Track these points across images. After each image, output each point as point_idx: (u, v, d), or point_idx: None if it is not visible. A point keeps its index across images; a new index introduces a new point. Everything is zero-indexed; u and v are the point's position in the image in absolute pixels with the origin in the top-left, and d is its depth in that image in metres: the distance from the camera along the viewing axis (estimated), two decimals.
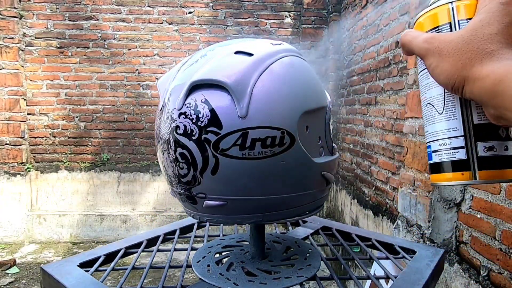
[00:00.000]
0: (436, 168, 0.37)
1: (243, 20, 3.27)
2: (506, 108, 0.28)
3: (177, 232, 0.81)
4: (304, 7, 3.25)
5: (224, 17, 3.26)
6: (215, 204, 0.48)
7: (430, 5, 0.37)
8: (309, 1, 3.24)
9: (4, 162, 3.10)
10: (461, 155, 0.35)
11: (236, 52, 0.48)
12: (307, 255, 0.62)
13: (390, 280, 0.57)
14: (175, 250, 0.72)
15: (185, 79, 0.48)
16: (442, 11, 0.34)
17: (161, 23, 3.22)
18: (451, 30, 0.33)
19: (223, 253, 0.64)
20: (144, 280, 0.56)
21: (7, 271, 2.61)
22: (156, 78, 3.24)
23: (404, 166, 1.56)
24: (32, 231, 3.19)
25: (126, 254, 0.70)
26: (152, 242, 0.76)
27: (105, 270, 0.61)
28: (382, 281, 1.11)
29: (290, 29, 3.32)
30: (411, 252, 0.70)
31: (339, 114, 3.16)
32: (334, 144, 0.58)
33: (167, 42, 3.24)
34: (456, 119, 0.34)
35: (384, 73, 2.16)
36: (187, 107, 0.46)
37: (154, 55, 3.25)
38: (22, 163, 3.13)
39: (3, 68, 3.03)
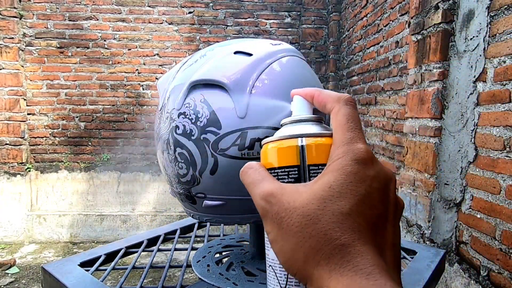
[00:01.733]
0: None
1: (243, 20, 3.27)
2: None
3: (178, 232, 0.81)
4: (304, 7, 3.25)
5: (224, 17, 3.26)
6: (214, 204, 0.48)
7: (281, 127, 0.30)
8: (309, 1, 3.24)
9: (4, 162, 3.10)
10: None
11: (236, 52, 0.48)
12: None
13: None
14: (175, 250, 0.72)
15: (184, 79, 0.48)
16: (290, 147, 0.27)
17: (161, 23, 3.22)
18: (298, 178, 0.26)
19: (223, 253, 0.64)
20: (144, 280, 0.56)
21: (7, 271, 2.61)
22: (156, 78, 3.24)
23: (404, 166, 1.56)
24: (32, 231, 3.19)
25: (126, 253, 0.70)
26: (152, 242, 0.76)
27: (106, 270, 0.61)
28: None
29: (290, 29, 3.32)
30: (411, 252, 0.70)
31: None
32: None
33: (167, 42, 3.24)
34: None
35: (384, 73, 2.16)
36: (187, 107, 0.46)
37: (154, 55, 3.25)
38: (22, 163, 3.13)
39: (3, 68, 3.03)
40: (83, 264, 0.63)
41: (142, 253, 0.71)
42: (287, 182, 0.26)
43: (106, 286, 0.54)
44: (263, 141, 0.29)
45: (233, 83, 0.44)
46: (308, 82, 0.52)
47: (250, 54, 0.47)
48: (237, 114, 0.44)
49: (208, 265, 0.57)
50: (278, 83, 0.47)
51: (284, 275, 0.26)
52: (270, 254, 0.27)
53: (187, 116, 0.45)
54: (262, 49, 0.49)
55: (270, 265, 0.28)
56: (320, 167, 0.26)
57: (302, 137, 0.27)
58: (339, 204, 0.22)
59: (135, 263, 0.65)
